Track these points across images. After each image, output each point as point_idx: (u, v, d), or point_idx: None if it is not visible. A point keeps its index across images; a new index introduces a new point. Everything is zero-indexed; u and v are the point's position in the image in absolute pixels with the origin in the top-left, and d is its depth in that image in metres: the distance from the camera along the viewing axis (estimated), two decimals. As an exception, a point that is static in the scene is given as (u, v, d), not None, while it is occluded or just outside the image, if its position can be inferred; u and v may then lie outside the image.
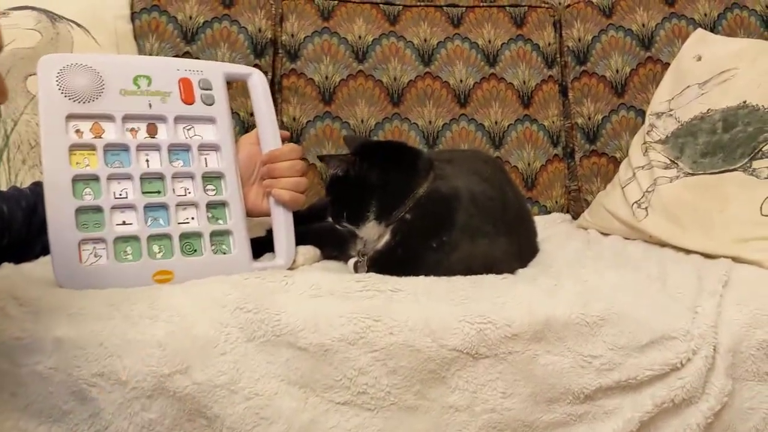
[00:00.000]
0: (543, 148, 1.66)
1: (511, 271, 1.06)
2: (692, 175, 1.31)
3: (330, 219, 1.10)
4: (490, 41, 1.66)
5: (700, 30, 1.57)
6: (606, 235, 1.45)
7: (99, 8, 1.41)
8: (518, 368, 0.87)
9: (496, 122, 1.64)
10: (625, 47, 1.67)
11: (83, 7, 1.39)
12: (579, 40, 1.69)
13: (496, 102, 1.64)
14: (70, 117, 0.94)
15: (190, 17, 1.52)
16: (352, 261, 1.09)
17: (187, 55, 1.51)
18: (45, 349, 0.79)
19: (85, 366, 0.78)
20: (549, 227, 1.49)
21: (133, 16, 1.49)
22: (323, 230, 1.18)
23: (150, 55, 1.48)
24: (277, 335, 0.84)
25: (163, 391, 0.79)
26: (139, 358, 0.79)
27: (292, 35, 1.60)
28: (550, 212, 1.65)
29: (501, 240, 1.07)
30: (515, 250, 1.11)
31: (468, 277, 0.98)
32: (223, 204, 1.03)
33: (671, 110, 1.45)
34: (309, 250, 1.13)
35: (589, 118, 1.67)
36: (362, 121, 1.60)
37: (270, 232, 1.18)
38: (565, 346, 0.89)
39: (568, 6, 1.71)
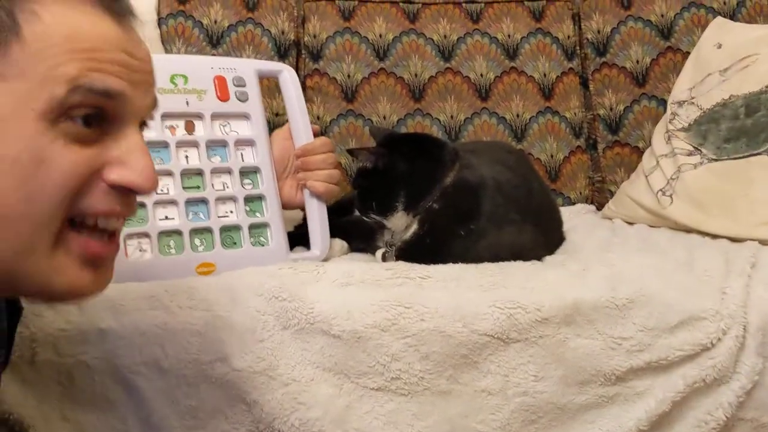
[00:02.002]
0: (565, 140, 1.66)
1: (538, 258, 1.07)
2: (716, 160, 1.32)
3: (357, 212, 1.12)
4: (509, 35, 1.67)
5: (719, 18, 1.57)
6: (631, 224, 1.45)
7: (127, 14, 1.44)
8: (549, 351, 0.88)
9: (517, 115, 1.65)
10: (645, 38, 1.67)
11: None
12: (598, 32, 1.69)
13: (517, 95, 1.65)
14: (111, 116, 0.97)
15: (215, 21, 1.55)
16: (380, 252, 1.11)
17: (212, 58, 1.54)
18: (90, 340, 0.81)
19: (128, 355, 0.81)
20: (574, 218, 1.49)
21: (160, 21, 1.51)
22: (350, 223, 1.20)
23: (177, 59, 1.50)
24: (311, 323, 0.86)
25: (204, 379, 0.82)
26: (180, 346, 0.82)
27: (315, 36, 1.62)
28: (574, 203, 1.65)
29: (527, 228, 1.08)
30: (542, 237, 1.12)
31: (496, 263, 0.99)
32: (260, 197, 1.06)
33: (693, 98, 1.45)
34: (337, 243, 1.15)
35: (611, 109, 1.67)
36: (385, 117, 1.61)
37: (298, 227, 1.20)
38: (594, 328, 0.90)
39: (586, -2, 1.72)
